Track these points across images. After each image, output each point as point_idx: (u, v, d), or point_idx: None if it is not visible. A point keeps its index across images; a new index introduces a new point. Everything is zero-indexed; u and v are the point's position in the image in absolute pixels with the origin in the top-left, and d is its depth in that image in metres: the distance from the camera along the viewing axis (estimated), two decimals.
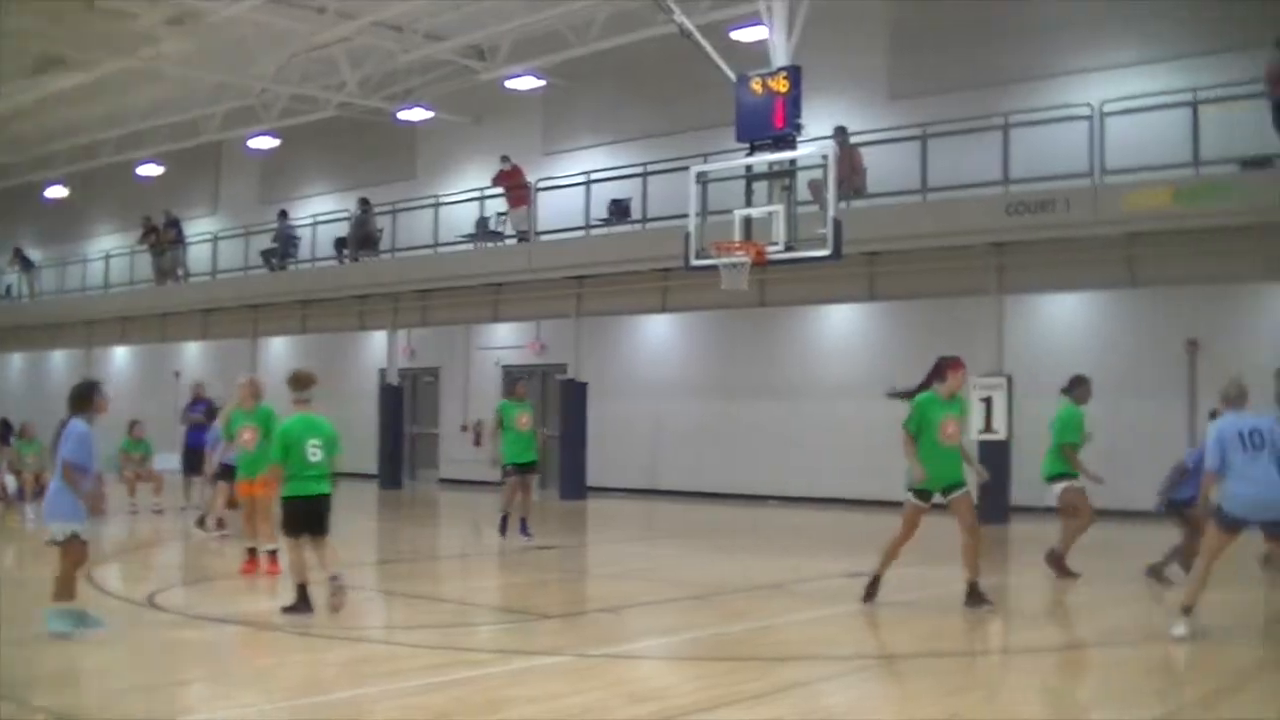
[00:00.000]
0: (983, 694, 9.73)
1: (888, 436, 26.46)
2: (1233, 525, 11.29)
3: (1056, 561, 15.55)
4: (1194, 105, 21.38)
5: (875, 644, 11.52)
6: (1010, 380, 23.00)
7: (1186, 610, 11.20)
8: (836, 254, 17.60)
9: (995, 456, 22.61)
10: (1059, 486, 15.56)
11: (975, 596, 12.96)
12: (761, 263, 18.13)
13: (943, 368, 13.45)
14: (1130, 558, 16.11)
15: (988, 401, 22.91)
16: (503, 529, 19.69)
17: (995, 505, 22.61)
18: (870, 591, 13.31)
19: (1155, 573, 14.88)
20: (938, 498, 13.27)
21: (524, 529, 19.57)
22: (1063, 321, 25.40)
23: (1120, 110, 22.15)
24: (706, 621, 12.89)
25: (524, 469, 19.80)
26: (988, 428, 22.88)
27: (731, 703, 8.97)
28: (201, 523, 20.61)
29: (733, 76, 18.68)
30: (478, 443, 32.83)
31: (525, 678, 9.84)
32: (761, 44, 19.70)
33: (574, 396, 29.49)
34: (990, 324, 24.01)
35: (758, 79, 18.07)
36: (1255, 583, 15.03)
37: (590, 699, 9.06)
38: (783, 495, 27.98)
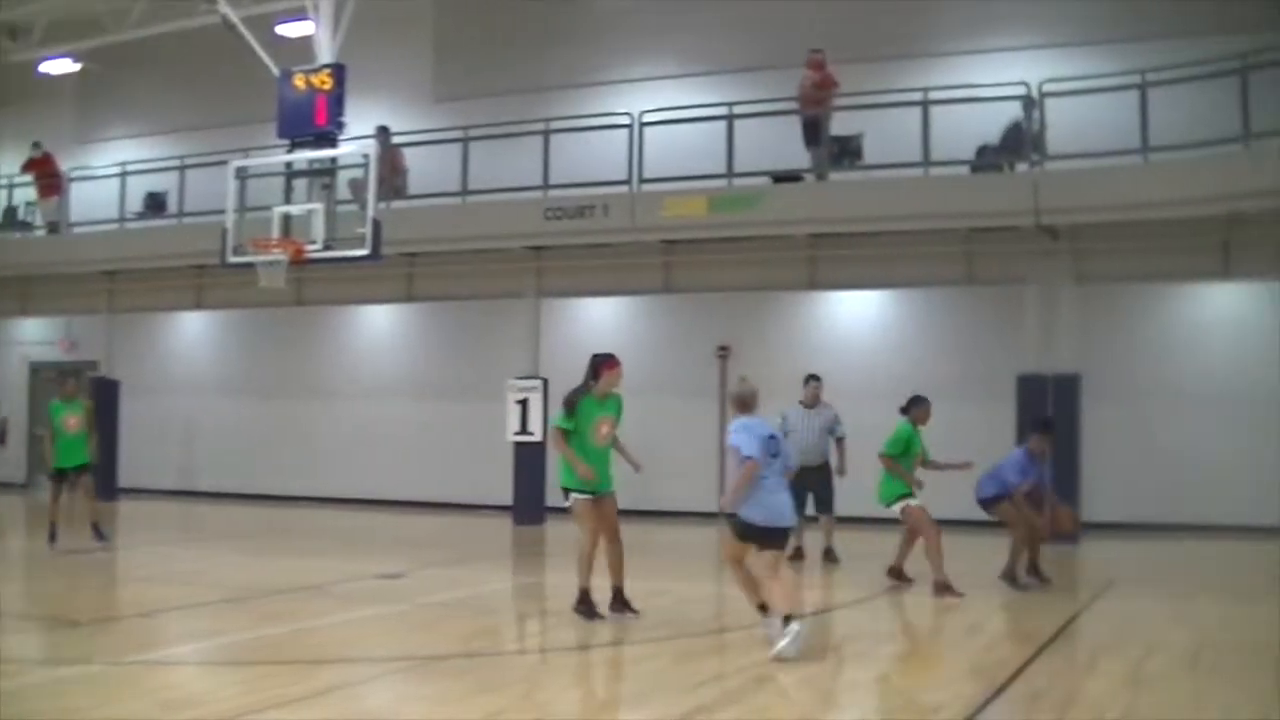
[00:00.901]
0: (520, 691, 9.87)
1: (426, 437, 26.86)
2: (753, 535, 11.19)
3: (942, 588, 14.73)
4: (730, 119, 22.16)
5: (413, 645, 11.53)
6: (547, 383, 23.33)
7: (788, 620, 10.76)
8: (375, 254, 17.52)
9: (531, 459, 23.07)
10: (898, 506, 15.18)
11: (621, 603, 12.74)
12: (300, 261, 17.90)
13: (598, 366, 12.77)
14: (670, 555, 16.57)
15: (524, 404, 23.22)
16: (52, 537, 18.65)
17: (532, 508, 23.02)
18: (586, 609, 12.64)
19: (1009, 577, 15.27)
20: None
21: (98, 534, 18.83)
22: (600, 325, 25.93)
23: (659, 121, 22.78)
24: (244, 625, 12.64)
25: (70, 473, 18.92)
26: (523, 429, 23.20)
27: (271, 707, 8.84)
28: None
29: (276, 71, 18.43)
30: (2, 441, 31.42)
31: (55, 689, 9.47)
32: (307, 40, 19.47)
33: (106, 395, 28.49)
34: (528, 326, 24.37)
35: (301, 75, 17.83)
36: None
37: (124, 709, 8.78)
38: (322, 496, 27.70)
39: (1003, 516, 15.49)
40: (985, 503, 15.53)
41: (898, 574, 15.57)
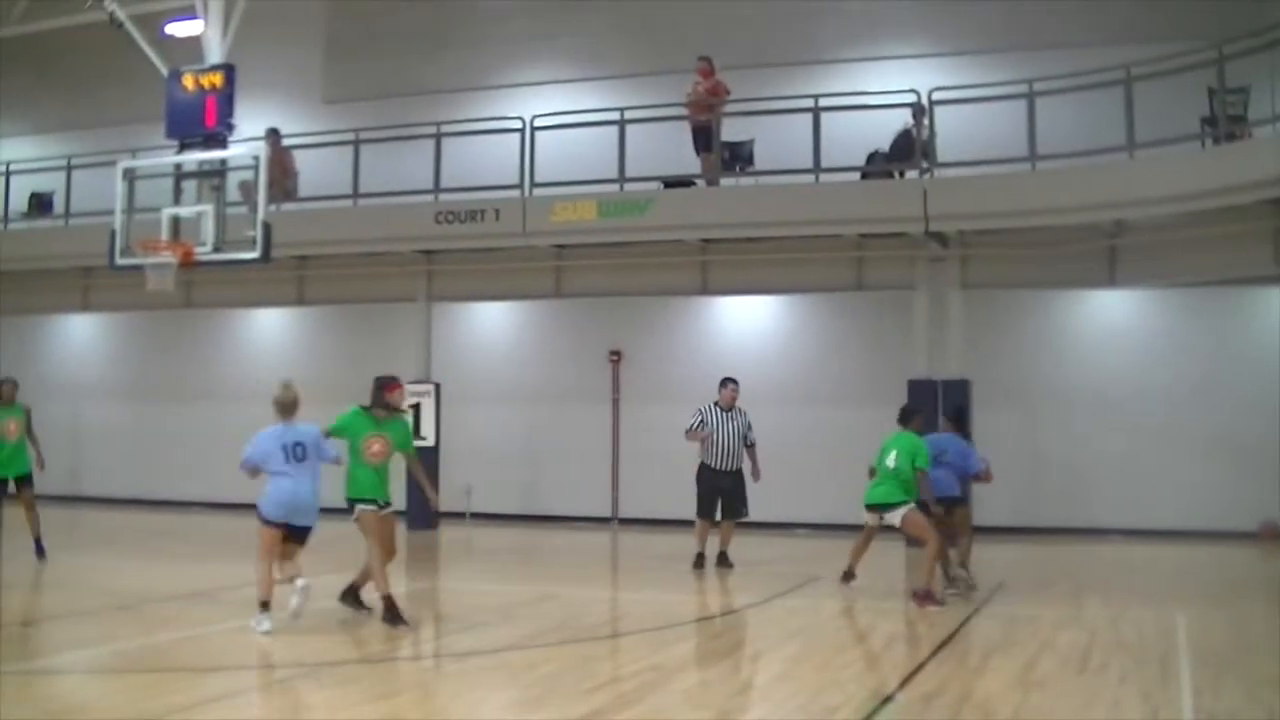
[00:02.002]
0: (414, 697, 9.82)
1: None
2: (276, 525, 12.50)
3: (934, 588, 14.69)
4: (621, 124, 22.14)
5: (305, 651, 11.41)
6: (439, 388, 23.27)
7: (264, 605, 12.28)
8: (265, 257, 17.28)
9: (425, 463, 22.89)
10: (900, 512, 14.73)
11: (391, 613, 12.76)
12: (189, 263, 17.64)
13: (380, 388, 13.40)
14: (563, 559, 16.53)
15: (416, 408, 23.10)
16: None
17: (425, 513, 22.86)
18: (392, 616, 12.75)
19: (952, 581, 15.25)
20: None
21: (39, 549, 17.91)
22: (492, 329, 25.89)
23: (551, 125, 22.73)
24: (132, 632, 12.47)
25: (11, 482, 18.08)
26: (416, 434, 23.04)
27: (159, 716, 8.71)
28: None
29: (164, 71, 18.18)
30: None
31: None
32: (196, 40, 19.24)
33: None
34: (419, 331, 24.27)
35: (190, 75, 17.55)
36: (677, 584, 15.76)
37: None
38: (212, 501, 27.33)
39: (960, 519, 15.60)
40: (952, 502, 15.54)
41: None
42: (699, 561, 17.50)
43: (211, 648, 11.80)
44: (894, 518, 14.76)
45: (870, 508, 15.01)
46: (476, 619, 13.40)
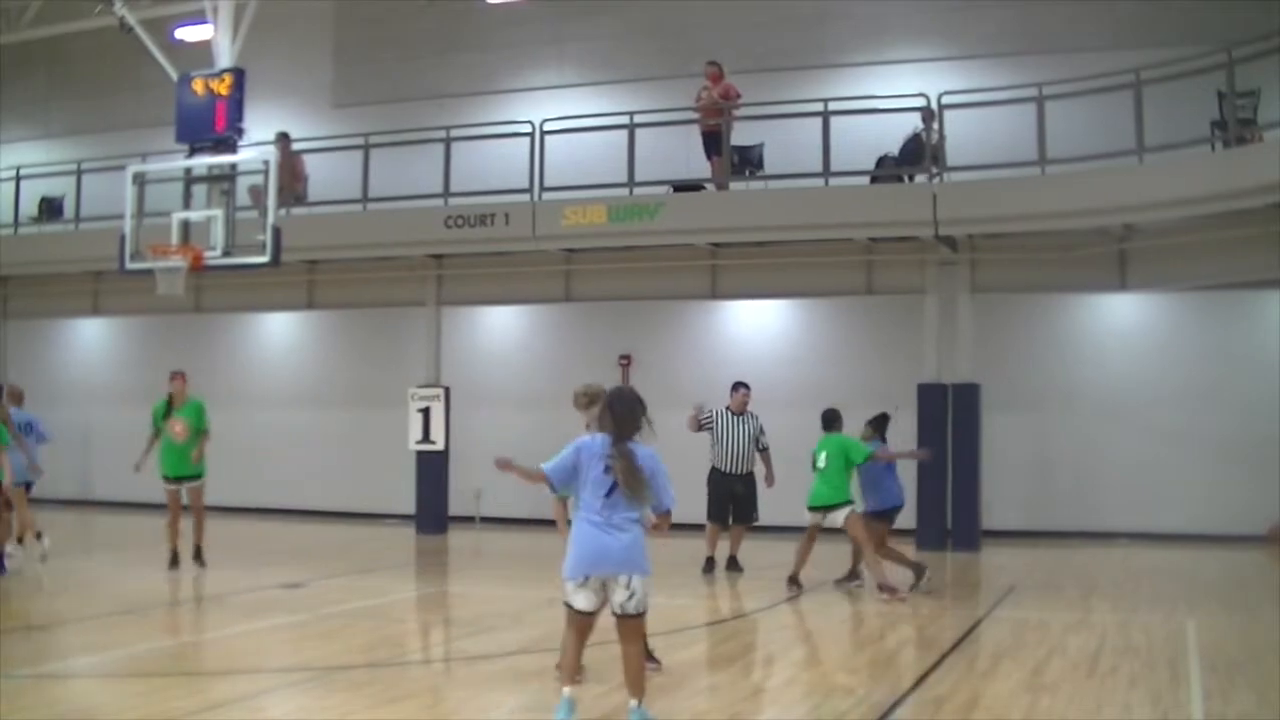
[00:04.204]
0: (424, 701, 9.81)
1: (327, 446, 26.61)
2: (19, 485, 17.59)
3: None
4: (631, 128, 22.12)
5: (314, 655, 11.41)
6: (448, 391, 23.26)
7: (38, 535, 17.91)
8: (275, 261, 17.30)
9: (433, 467, 22.98)
10: (842, 513, 15.44)
11: (176, 561, 17.54)
12: (199, 268, 17.65)
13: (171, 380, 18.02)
14: (557, 563, 16.40)
15: (425, 412, 23.11)
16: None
17: (435, 517, 22.96)
18: (174, 561, 17.68)
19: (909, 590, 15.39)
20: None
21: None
22: (501, 334, 25.89)
23: (561, 129, 22.72)
24: (141, 636, 12.47)
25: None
26: (426, 438, 23.08)
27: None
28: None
29: (174, 76, 18.18)
30: None
31: None
32: (206, 44, 19.26)
33: None
34: (429, 335, 24.25)
35: (200, 79, 17.55)
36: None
37: None
38: (221, 505, 27.16)
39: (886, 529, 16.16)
40: (896, 511, 16.21)
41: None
42: (709, 566, 17.50)
43: (220, 652, 11.81)
44: (836, 518, 15.52)
45: (813, 509, 15.78)
46: (486, 623, 13.40)
